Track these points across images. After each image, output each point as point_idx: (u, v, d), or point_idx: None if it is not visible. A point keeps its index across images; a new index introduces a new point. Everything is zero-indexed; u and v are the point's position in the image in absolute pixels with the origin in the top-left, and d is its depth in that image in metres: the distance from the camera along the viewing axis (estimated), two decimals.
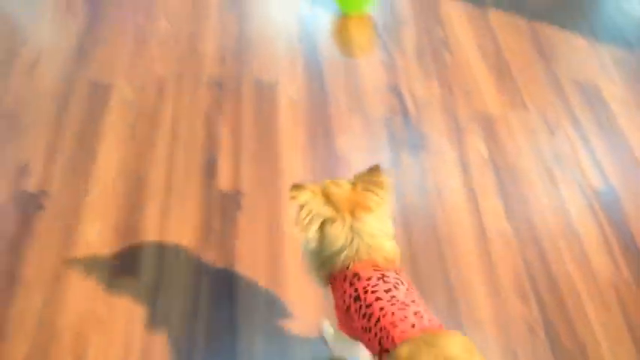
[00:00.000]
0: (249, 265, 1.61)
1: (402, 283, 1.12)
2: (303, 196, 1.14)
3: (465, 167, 1.88)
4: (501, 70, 2.16)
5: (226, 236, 1.67)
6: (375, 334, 1.06)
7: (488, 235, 1.73)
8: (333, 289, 1.18)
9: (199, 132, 1.90)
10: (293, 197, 1.13)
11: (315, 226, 1.14)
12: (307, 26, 2.25)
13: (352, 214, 1.13)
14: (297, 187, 1.14)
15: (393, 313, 1.05)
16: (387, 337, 1.03)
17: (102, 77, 2.03)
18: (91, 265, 1.59)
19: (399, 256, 1.20)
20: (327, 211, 1.13)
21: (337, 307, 1.19)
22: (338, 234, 1.13)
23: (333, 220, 1.13)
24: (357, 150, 1.87)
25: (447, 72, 2.14)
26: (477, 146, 1.93)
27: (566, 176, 1.88)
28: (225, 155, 1.85)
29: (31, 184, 1.75)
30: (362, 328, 1.10)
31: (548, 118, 2.03)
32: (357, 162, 1.83)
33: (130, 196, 1.74)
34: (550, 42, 2.27)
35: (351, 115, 1.98)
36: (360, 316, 1.10)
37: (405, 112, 2.00)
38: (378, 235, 1.14)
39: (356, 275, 1.12)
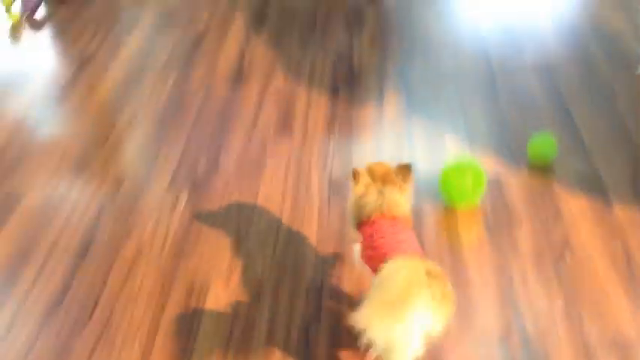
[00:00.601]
0: None
1: (406, 231, 1.68)
2: (358, 177, 1.76)
3: None
4: (635, 279, 1.90)
5: None
6: (378, 259, 1.55)
7: None
8: (361, 232, 1.74)
9: (294, 340, 1.77)
10: (353, 178, 1.76)
11: (360, 187, 1.75)
12: (413, 219, 2.13)
13: (382, 183, 1.74)
14: (355, 171, 1.76)
15: (391, 246, 1.60)
16: (383, 259, 1.52)
17: (199, 276, 1.99)
18: None
19: (410, 218, 1.77)
20: (368, 179, 1.76)
21: (362, 243, 1.73)
22: (370, 192, 1.74)
23: (369, 184, 1.75)
24: None
25: (569, 280, 1.91)
26: None
27: None
28: None
29: None
30: (369, 257, 1.66)
31: None
32: None
33: None
34: None
35: (461, 335, 1.77)
36: (371, 248, 1.65)
37: (522, 331, 1.77)
38: (395, 199, 1.72)
39: (375, 222, 1.69)
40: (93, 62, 3.03)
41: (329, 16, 3.26)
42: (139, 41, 3.18)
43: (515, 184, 2.26)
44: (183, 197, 2.29)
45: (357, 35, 3.10)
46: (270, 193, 2.28)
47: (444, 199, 2.20)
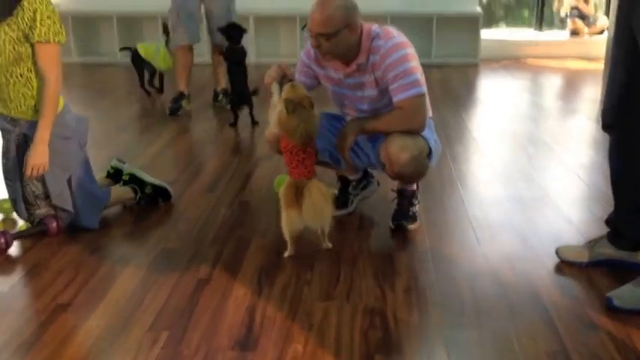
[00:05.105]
0: None
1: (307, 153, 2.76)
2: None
3: None
4: None
5: None
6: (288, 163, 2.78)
7: None
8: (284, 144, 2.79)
9: None
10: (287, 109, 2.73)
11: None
12: None
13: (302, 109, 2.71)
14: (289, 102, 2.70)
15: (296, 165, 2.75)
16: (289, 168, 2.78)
17: None
18: None
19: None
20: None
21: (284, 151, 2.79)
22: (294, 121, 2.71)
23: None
24: None
25: None
26: None
27: None
28: None
29: None
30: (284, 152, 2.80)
31: None
32: None
33: None
34: None
35: None
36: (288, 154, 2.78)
37: None
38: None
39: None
40: (65, 313, 2.44)
41: (355, 263, 2.79)
42: (126, 288, 2.63)
43: None
44: None
45: (388, 287, 2.60)
46: None
47: None
